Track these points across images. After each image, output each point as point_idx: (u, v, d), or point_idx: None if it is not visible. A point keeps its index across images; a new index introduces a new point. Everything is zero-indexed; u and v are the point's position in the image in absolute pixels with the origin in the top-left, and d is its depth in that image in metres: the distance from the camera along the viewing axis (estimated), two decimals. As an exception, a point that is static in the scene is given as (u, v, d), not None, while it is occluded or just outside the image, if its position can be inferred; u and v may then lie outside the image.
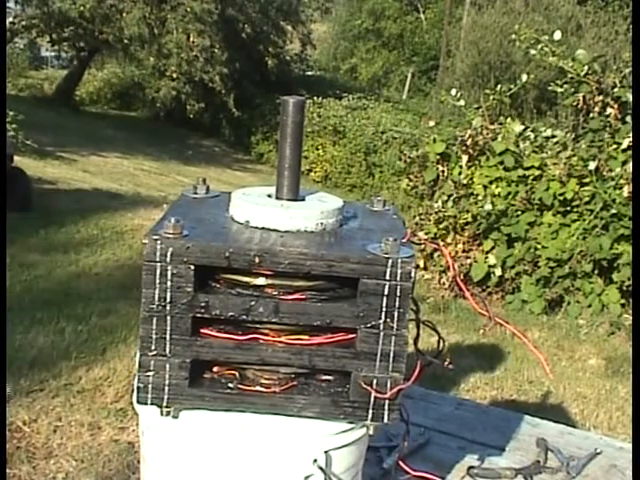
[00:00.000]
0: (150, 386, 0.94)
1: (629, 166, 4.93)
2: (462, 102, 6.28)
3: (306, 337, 0.95)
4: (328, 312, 0.93)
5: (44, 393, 2.97)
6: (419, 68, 24.48)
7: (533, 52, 5.96)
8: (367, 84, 23.17)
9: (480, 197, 5.50)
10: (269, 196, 1.03)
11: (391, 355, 0.93)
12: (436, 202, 5.63)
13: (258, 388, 0.96)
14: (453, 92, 6.30)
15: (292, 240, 0.93)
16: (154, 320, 0.92)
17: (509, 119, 5.94)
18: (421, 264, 5.54)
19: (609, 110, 5.44)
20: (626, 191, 4.93)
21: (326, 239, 0.96)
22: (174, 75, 14.66)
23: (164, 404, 0.94)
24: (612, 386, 3.97)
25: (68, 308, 3.97)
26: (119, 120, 17.08)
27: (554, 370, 4.06)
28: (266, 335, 0.94)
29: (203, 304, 0.91)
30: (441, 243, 5.13)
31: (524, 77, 6.07)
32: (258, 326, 0.94)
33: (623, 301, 5.08)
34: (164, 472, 1.00)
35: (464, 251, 5.50)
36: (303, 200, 1.03)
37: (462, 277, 5.25)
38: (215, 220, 1.00)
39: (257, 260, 0.90)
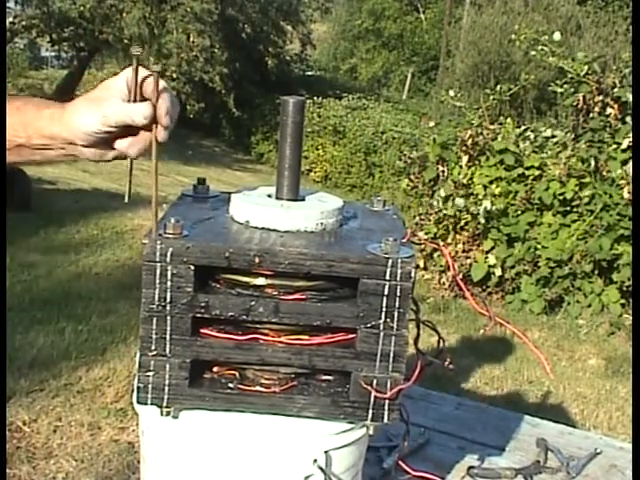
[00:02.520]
0: (150, 386, 0.94)
1: (629, 166, 4.93)
2: (460, 103, 6.29)
3: (306, 337, 0.95)
4: (328, 312, 0.93)
5: (44, 393, 2.98)
6: (419, 68, 24.48)
7: (533, 52, 5.97)
8: (367, 84, 23.17)
9: (480, 197, 5.50)
10: (269, 196, 1.03)
11: (391, 355, 0.93)
12: (436, 202, 5.63)
13: (258, 388, 0.96)
14: (452, 93, 6.30)
15: (292, 240, 0.93)
16: (154, 320, 0.92)
17: (508, 119, 5.95)
18: (421, 264, 5.54)
19: (609, 110, 5.44)
20: (626, 191, 4.94)
21: (326, 239, 0.96)
22: (174, 75, 14.66)
23: (164, 404, 0.94)
24: (612, 386, 3.98)
25: (68, 308, 3.97)
26: (119, 120, 17.03)
27: (554, 370, 4.06)
28: (266, 335, 0.94)
29: (203, 304, 0.92)
30: (441, 243, 5.13)
31: (524, 77, 6.08)
32: (258, 326, 0.94)
33: (623, 301, 5.08)
34: (164, 472, 1.00)
35: (464, 251, 5.51)
36: (303, 200, 1.03)
37: (462, 277, 5.26)
38: (215, 220, 1.00)
39: (257, 260, 0.90)
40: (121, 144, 0.97)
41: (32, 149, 1.00)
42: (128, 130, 0.95)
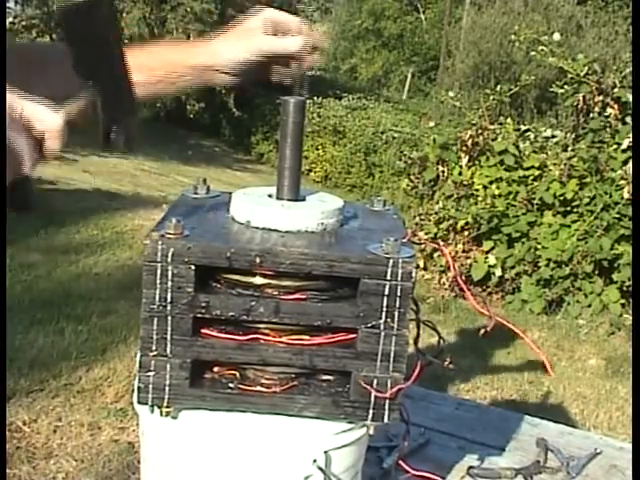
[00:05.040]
0: (151, 386, 0.94)
1: (629, 166, 4.93)
2: (459, 103, 6.30)
3: (307, 337, 0.95)
4: (328, 312, 0.93)
5: (44, 393, 2.98)
6: (419, 68, 24.50)
7: (533, 53, 5.98)
8: (367, 84, 23.15)
9: (480, 197, 5.50)
10: (269, 196, 1.03)
11: (392, 355, 0.93)
12: (437, 202, 5.63)
13: (259, 388, 0.96)
14: (452, 93, 6.32)
15: (293, 240, 0.94)
16: (155, 320, 0.92)
17: (508, 119, 5.96)
18: (421, 264, 5.54)
19: (609, 110, 5.45)
20: (626, 191, 4.94)
21: (327, 239, 0.96)
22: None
23: (165, 404, 0.94)
24: (612, 386, 3.98)
25: (68, 308, 3.97)
26: (119, 120, 17.01)
27: (554, 370, 4.06)
28: (267, 335, 0.94)
29: (204, 304, 0.92)
30: (441, 243, 5.13)
31: (525, 78, 6.09)
32: (259, 326, 0.94)
33: (623, 301, 5.08)
34: (164, 472, 1.00)
35: (464, 251, 5.51)
36: (303, 200, 1.03)
37: (462, 277, 5.26)
38: (216, 220, 1.00)
39: (258, 260, 0.90)
40: (265, 72, 1.11)
41: (169, 82, 1.12)
42: (271, 60, 1.09)
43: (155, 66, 1.12)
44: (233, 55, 1.08)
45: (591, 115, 5.56)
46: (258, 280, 0.93)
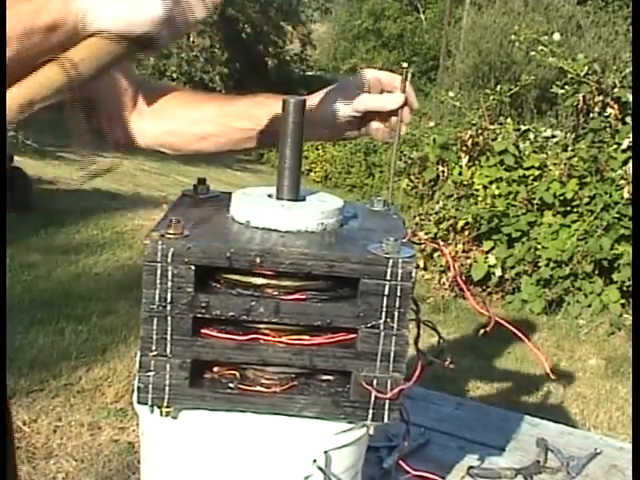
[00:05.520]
0: (150, 386, 0.94)
1: (629, 166, 4.93)
2: (459, 103, 6.31)
3: (307, 337, 0.94)
4: (328, 312, 0.93)
5: (44, 393, 2.98)
6: (419, 68, 24.48)
7: (533, 53, 5.99)
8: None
9: (480, 197, 5.51)
10: (269, 196, 1.03)
11: (392, 355, 0.93)
12: (437, 202, 5.64)
13: (258, 388, 0.96)
14: (452, 93, 6.33)
15: (293, 240, 0.93)
16: (155, 320, 0.92)
17: (508, 119, 5.96)
18: (421, 264, 5.55)
19: (609, 110, 5.45)
20: (626, 191, 4.94)
21: (327, 239, 0.96)
22: (174, 75, 14.66)
23: (164, 404, 0.94)
24: (612, 386, 3.98)
25: (68, 308, 3.97)
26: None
27: (554, 370, 4.06)
28: (267, 335, 0.94)
29: (204, 304, 0.91)
30: (441, 243, 5.13)
31: (525, 78, 6.10)
32: (259, 326, 0.94)
33: (623, 301, 5.08)
34: (164, 472, 1.00)
35: (464, 251, 5.51)
36: (303, 200, 1.03)
37: (462, 277, 5.26)
38: (216, 220, 1.00)
39: (258, 260, 0.90)
40: (367, 129, 1.18)
41: (273, 135, 1.14)
42: (369, 117, 1.15)
43: (262, 116, 1.18)
44: (333, 110, 1.15)
45: (591, 115, 5.56)
46: (258, 280, 0.93)
